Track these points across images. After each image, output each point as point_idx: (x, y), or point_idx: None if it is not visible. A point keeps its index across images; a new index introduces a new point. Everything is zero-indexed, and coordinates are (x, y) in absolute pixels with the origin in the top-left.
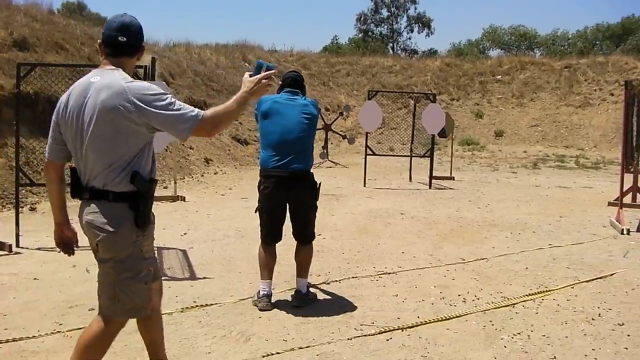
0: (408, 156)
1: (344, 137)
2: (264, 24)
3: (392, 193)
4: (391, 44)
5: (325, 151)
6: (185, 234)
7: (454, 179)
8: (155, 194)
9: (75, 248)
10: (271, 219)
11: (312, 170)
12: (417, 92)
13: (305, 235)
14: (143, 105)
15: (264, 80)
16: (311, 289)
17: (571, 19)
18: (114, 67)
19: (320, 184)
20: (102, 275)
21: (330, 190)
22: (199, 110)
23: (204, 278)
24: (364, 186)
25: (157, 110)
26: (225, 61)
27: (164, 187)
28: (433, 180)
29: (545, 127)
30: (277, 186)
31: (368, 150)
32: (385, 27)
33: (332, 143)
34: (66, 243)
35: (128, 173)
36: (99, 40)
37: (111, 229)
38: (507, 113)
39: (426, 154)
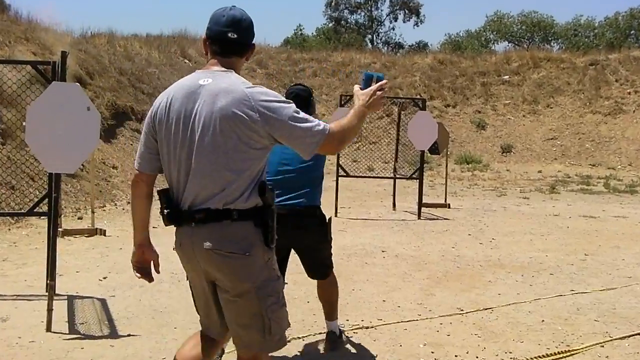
0: (391, 178)
1: None
2: (208, 9)
3: (371, 225)
4: (370, 36)
5: None
6: (105, 278)
7: (449, 207)
8: (68, 227)
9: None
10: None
11: (320, 206)
12: (402, 96)
13: (322, 273)
14: (269, 113)
15: (378, 92)
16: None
17: (598, 3)
18: (225, 69)
19: (330, 218)
20: (240, 308)
21: None
22: (324, 122)
23: (129, 335)
24: (335, 216)
25: (284, 121)
26: (159, 57)
27: (79, 218)
28: (423, 209)
29: (565, 140)
30: (277, 225)
31: (340, 170)
32: (363, 14)
33: None
34: (146, 268)
35: (253, 188)
36: (203, 36)
37: (244, 253)
38: (517, 123)
39: (414, 176)
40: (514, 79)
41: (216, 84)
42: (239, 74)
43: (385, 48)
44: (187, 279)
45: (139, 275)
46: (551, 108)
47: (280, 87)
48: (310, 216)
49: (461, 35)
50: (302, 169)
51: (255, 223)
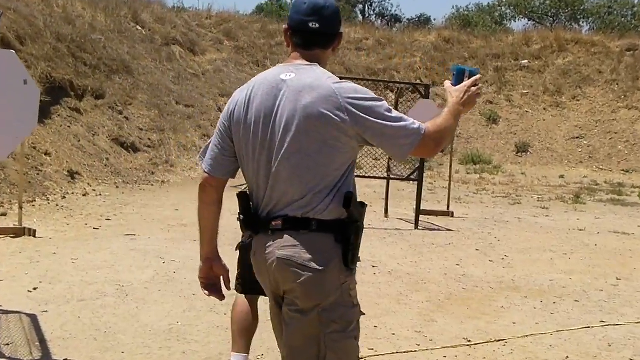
0: (384, 178)
1: None
2: None
3: None
4: (361, 6)
5: None
6: (35, 289)
7: (452, 216)
8: None
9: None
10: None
11: None
12: (400, 81)
13: None
14: (358, 112)
15: (473, 88)
16: None
17: None
18: (308, 62)
19: None
20: (297, 327)
21: None
22: (419, 122)
23: None
24: None
25: (375, 120)
26: (106, 21)
27: (2, 215)
28: (421, 217)
29: (594, 139)
30: None
31: None
32: None
33: None
34: (215, 284)
35: (335, 196)
36: (284, 26)
37: (319, 267)
38: (536, 117)
39: (412, 177)
40: (534, 64)
41: (300, 79)
42: (324, 68)
43: (380, 21)
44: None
45: (207, 292)
46: (578, 101)
47: (252, 64)
48: None
49: (471, 9)
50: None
51: (336, 238)
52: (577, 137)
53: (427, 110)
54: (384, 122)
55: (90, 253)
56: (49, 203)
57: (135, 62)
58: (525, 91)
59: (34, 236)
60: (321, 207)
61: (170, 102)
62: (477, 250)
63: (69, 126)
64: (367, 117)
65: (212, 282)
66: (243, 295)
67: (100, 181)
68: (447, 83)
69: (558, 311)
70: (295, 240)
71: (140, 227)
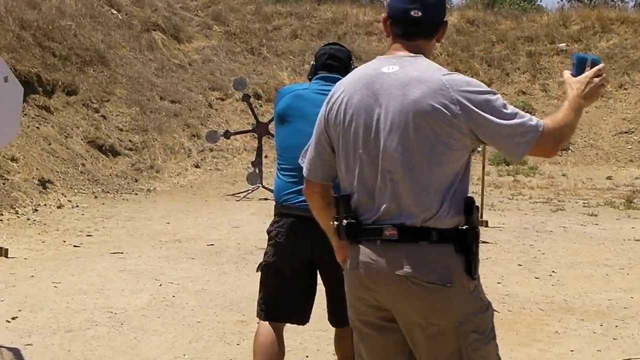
0: None
1: None
2: None
3: None
4: None
5: (256, 171)
6: (14, 318)
7: (486, 225)
8: None
9: None
10: (283, 285)
11: None
12: None
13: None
14: (472, 107)
15: (595, 79)
16: None
17: None
18: (412, 54)
19: None
20: (433, 349)
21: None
22: (537, 118)
23: None
24: None
25: (489, 117)
26: (77, 5)
27: None
28: None
29: None
30: (298, 232)
31: None
32: None
33: (268, 156)
34: None
35: (452, 201)
36: (383, 15)
37: (446, 284)
38: None
39: None
40: (573, 47)
41: (405, 72)
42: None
43: None
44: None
45: None
46: (625, 89)
47: (246, 52)
48: None
49: None
50: None
51: (455, 248)
52: (625, 132)
53: None
54: (499, 120)
55: (74, 275)
56: (18, 217)
57: (111, 52)
58: (564, 79)
59: (6, 256)
60: (441, 213)
61: (154, 97)
62: (519, 265)
63: (37, 127)
64: (481, 112)
65: None
66: (267, 323)
67: (76, 190)
68: (567, 73)
69: (622, 336)
70: (415, 254)
71: (128, 244)
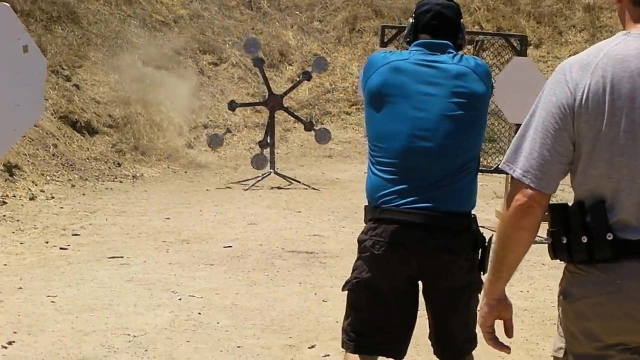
0: None
1: (306, 123)
2: None
3: None
4: None
5: (263, 153)
6: (11, 343)
7: None
8: None
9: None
10: (380, 308)
11: (473, 213)
12: (480, 31)
13: (458, 349)
14: None
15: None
16: None
17: None
18: None
19: (490, 240)
20: None
21: (301, 243)
22: None
23: None
24: None
25: None
26: None
27: None
28: None
29: None
30: (402, 242)
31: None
32: None
33: (282, 137)
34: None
35: None
36: None
37: None
38: None
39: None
40: None
41: None
42: None
43: None
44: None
45: (494, 344)
46: None
47: (243, 7)
48: (460, 230)
49: None
50: (451, 145)
51: None
52: None
53: (525, 73)
54: None
55: (72, 286)
56: None
57: (82, 7)
58: None
59: None
60: None
61: (135, 62)
62: None
63: None
64: None
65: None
66: (356, 356)
67: (48, 178)
68: None
69: None
70: None
71: (126, 246)
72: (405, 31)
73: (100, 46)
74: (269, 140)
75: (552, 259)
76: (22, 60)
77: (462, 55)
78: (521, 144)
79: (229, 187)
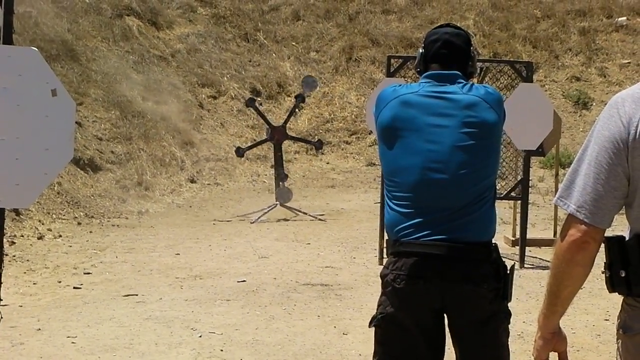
0: None
1: (315, 143)
2: None
3: None
4: None
5: (286, 186)
6: None
7: None
8: None
9: None
10: (407, 344)
11: (494, 242)
12: (486, 59)
13: None
14: None
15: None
16: None
17: None
18: None
19: (512, 268)
20: None
21: (314, 275)
22: None
23: None
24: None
25: None
26: None
27: None
28: (528, 250)
29: None
30: (423, 275)
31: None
32: None
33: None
34: None
35: None
36: None
37: None
38: None
39: (513, 193)
40: (635, 22)
41: None
42: None
43: None
44: None
45: None
46: None
47: (239, 39)
48: (479, 260)
49: None
50: (465, 176)
51: None
52: None
53: (532, 99)
54: None
55: (90, 326)
56: None
57: (80, 44)
58: (626, 61)
59: None
60: None
61: (135, 97)
62: None
63: None
64: None
65: None
66: None
67: (54, 216)
68: None
69: None
70: None
71: (139, 284)
72: (416, 61)
73: (100, 82)
74: (279, 170)
75: (609, 292)
76: (51, 104)
77: (472, 84)
78: (574, 179)
79: (239, 220)
